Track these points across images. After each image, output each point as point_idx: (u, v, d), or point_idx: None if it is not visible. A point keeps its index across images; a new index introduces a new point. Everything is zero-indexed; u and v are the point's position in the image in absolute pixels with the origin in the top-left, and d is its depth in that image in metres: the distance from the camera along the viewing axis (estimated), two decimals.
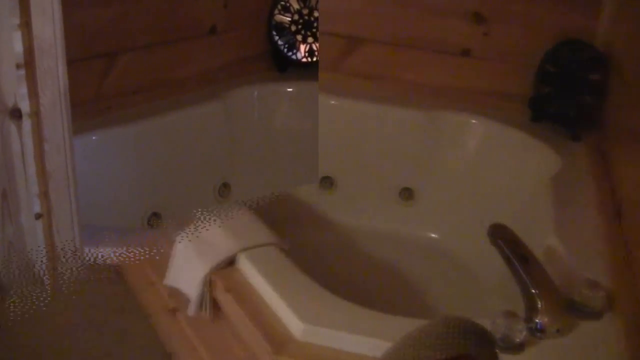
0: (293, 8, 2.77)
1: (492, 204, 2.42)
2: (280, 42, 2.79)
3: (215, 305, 1.74)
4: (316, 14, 2.77)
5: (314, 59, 2.81)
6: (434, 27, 2.65)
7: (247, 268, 1.68)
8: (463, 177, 2.56)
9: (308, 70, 2.81)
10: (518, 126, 2.50)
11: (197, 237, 1.83)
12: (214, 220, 1.86)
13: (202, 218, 1.89)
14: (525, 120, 2.54)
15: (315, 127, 2.59)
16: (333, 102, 2.68)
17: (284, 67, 2.83)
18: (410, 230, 2.64)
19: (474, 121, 2.57)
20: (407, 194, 2.65)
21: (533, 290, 1.48)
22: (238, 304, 1.62)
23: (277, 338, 1.50)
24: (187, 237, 1.85)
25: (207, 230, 1.83)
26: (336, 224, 2.68)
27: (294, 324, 1.51)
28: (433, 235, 2.62)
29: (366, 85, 2.73)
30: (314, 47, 2.81)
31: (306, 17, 2.79)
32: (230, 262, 1.73)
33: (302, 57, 2.83)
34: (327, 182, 2.69)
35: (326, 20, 2.72)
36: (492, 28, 2.59)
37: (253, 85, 2.72)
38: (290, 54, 2.81)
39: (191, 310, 1.77)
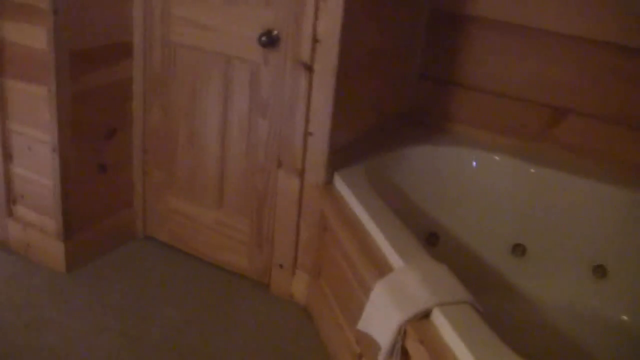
0: None
1: None
2: None
3: (406, 356, 1.78)
4: None
5: None
6: None
7: (443, 323, 1.71)
8: None
9: None
10: None
11: (395, 286, 1.88)
12: (412, 272, 1.90)
13: (400, 268, 1.94)
14: None
15: None
16: (533, 170, 2.67)
17: None
18: (601, 309, 2.58)
19: None
20: (600, 271, 2.59)
21: None
22: (430, 357, 1.65)
23: None
24: (384, 285, 1.90)
25: (404, 280, 1.88)
26: (524, 292, 2.66)
27: None
28: (624, 317, 2.55)
29: (569, 157, 2.70)
30: None
31: None
32: (426, 314, 1.76)
33: None
34: (519, 249, 2.68)
35: (532, 89, 2.73)
36: None
37: None
38: None
39: (381, 357, 1.82)
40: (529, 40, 2.69)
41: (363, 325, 1.96)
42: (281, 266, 2.69)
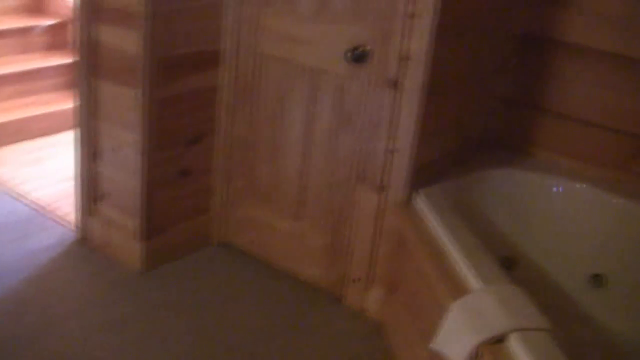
0: None
1: None
2: None
3: None
4: None
5: None
6: None
7: (518, 348, 1.69)
8: None
9: None
10: None
11: (472, 308, 1.86)
12: (490, 294, 1.89)
13: (478, 290, 1.92)
14: None
15: None
16: (615, 201, 2.63)
17: None
18: None
19: None
20: None
21: None
22: None
23: None
24: (461, 306, 1.89)
25: (482, 302, 1.86)
26: (602, 323, 2.60)
27: None
28: None
29: None
30: None
31: None
32: (501, 338, 1.74)
33: None
34: (598, 279, 2.63)
35: (618, 118, 2.68)
36: None
37: None
38: None
39: None
40: (617, 68, 2.65)
41: (438, 344, 1.95)
42: (355, 280, 2.70)
